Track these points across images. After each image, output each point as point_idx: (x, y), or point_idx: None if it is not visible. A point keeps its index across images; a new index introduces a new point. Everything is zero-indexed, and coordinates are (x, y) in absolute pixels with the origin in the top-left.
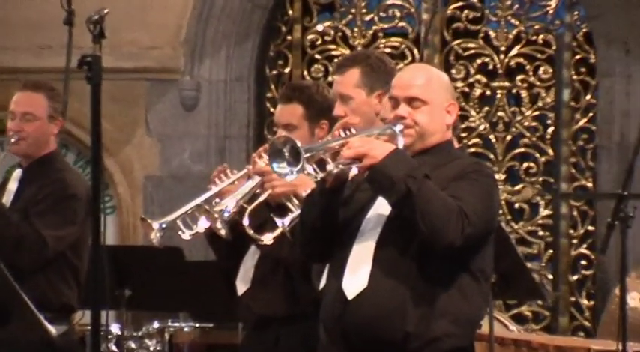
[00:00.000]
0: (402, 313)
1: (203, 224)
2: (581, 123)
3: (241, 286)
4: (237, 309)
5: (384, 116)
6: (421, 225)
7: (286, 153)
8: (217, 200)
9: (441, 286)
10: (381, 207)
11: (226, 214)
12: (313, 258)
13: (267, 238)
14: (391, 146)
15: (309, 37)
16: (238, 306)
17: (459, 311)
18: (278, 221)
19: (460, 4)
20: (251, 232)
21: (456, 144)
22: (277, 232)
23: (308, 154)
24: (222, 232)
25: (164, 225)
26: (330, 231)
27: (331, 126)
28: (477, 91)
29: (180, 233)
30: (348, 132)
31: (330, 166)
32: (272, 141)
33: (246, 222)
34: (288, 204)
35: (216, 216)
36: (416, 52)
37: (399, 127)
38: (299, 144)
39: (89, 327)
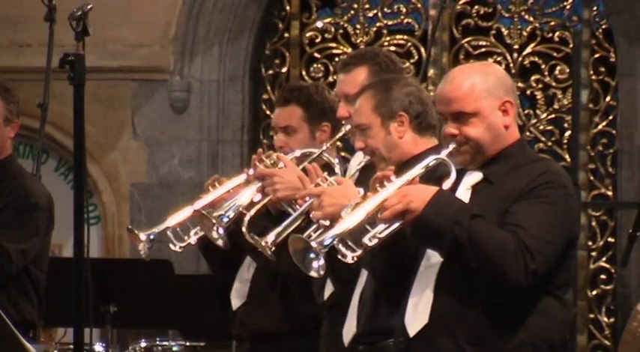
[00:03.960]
0: (470, 349)
1: (195, 235)
2: (601, 126)
3: (236, 300)
4: (230, 326)
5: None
6: (478, 270)
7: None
8: (211, 210)
9: (516, 314)
10: None
11: (225, 219)
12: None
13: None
14: (431, 190)
15: (308, 34)
16: (232, 322)
17: (540, 339)
18: (262, 239)
19: None
20: (253, 238)
21: None
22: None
23: (334, 242)
24: (220, 242)
25: (152, 237)
26: (404, 275)
27: (334, 129)
28: None
29: (170, 245)
30: (385, 184)
31: (366, 239)
32: (292, 255)
33: (245, 229)
34: (290, 210)
35: (213, 221)
36: (422, 50)
37: (451, 147)
38: (315, 245)
39: (71, 346)
